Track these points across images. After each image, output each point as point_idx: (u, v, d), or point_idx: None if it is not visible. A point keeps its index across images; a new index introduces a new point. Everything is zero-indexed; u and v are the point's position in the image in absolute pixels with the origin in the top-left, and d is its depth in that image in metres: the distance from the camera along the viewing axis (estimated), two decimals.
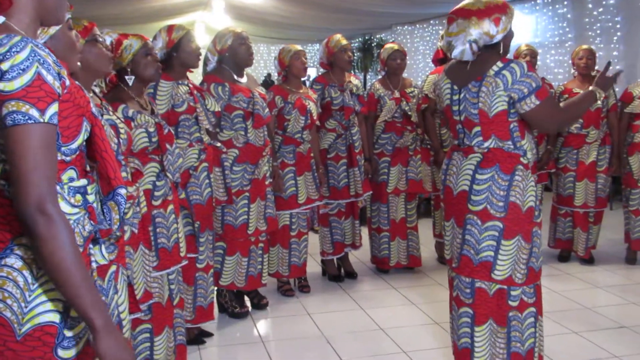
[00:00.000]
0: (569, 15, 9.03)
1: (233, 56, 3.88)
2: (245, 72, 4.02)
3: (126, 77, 2.97)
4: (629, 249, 5.25)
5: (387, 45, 4.92)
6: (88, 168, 1.59)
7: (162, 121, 3.03)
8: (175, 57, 3.48)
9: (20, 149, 1.33)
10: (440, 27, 11.77)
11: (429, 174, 4.97)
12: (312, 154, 4.47)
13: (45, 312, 1.43)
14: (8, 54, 1.33)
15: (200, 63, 3.70)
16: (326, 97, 4.57)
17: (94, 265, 1.57)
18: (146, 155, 2.95)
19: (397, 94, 4.77)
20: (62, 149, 1.46)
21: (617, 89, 5.30)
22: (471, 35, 2.61)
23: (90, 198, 1.56)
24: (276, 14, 11.71)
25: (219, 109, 3.73)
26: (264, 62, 18.69)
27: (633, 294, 4.46)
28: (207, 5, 11.77)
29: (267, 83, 14.60)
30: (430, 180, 4.98)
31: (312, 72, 14.16)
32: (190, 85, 3.54)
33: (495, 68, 2.61)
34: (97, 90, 2.74)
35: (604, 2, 8.31)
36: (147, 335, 2.97)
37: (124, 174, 2.18)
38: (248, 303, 4.26)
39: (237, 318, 4.08)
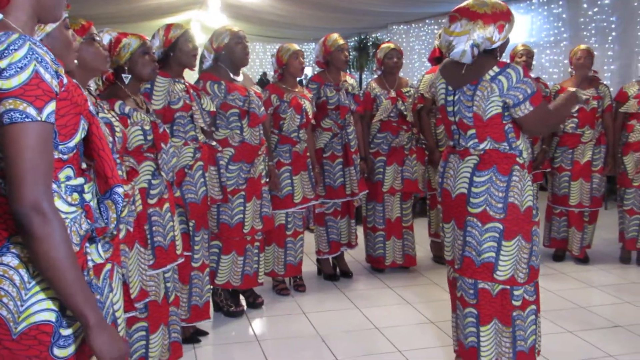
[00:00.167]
0: (564, 15, 9.05)
1: (229, 55, 3.88)
2: (241, 71, 4.02)
3: (123, 76, 2.97)
4: (623, 249, 5.27)
5: (384, 45, 4.92)
6: (84, 166, 1.58)
7: (157, 120, 3.03)
8: (173, 56, 3.48)
9: (16, 147, 1.32)
10: (436, 27, 11.78)
11: (423, 174, 4.97)
12: (308, 153, 4.46)
13: (41, 311, 1.43)
14: (6, 51, 1.32)
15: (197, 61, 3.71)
16: (322, 97, 4.57)
17: (90, 264, 1.56)
18: (141, 154, 2.95)
19: (393, 94, 4.77)
20: (59, 147, 1.46)
21: (612, 89, 5.31)
22: (474, 39, 2.59)
23: (87, 197, 1.56)
24: (272, 13, 11.70)
25: (215, 109, 3.73)
26: (259, 61, 18.68)
27: (627, 293, 4.48)
28: (202, 4, 11.75)
29: (263, 82, 14.59)
30: (423, 180, 4.98)
31: (308, 71, 14.17)
32: (187, 84, 3.54)
33: (491, 73, 2.60)
34: (92, 88, 2.73)
35: (599, 2, 8.33)
36: (143, 333, 2.97)
37: (119, 173, 2.18)
38: (243, 302, 4.26)
39: (232, 317, 4.07)
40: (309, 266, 5.04)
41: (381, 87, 4.83)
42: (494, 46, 2.63)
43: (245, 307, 4.21)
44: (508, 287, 2.73)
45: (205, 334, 3.77)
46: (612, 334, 3.75)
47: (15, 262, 1.42)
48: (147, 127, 2.94)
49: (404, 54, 4.97)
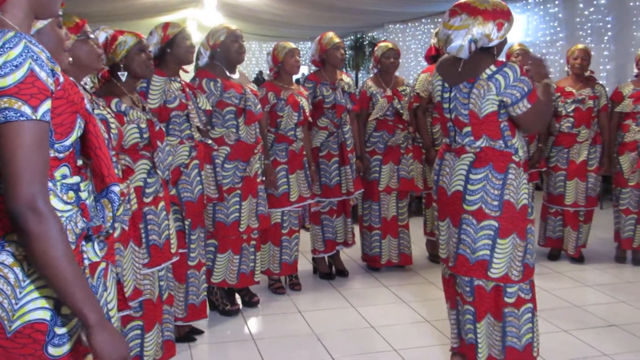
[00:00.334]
0: (560, 15, 9.06)
1: (225, 52, 3.88)
2: (237, 69, 4.02)
3: (119, 73, 2.97)
4: (618, 248, 5.28)
5: (382, 44, 4.92)
6: (79, 163, 1.58)
7: (153, 118, 3.03)
8: (169, 53, 3.48)
9: (11, 146, 1.32)
10: (432, 26, 11.79)
11: (421, 172, 4.97)
12: (304, 152, 4.46)
13: (36, 310, 1.43)
14: (1, 50, 1.32)
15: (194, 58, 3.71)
16: (318, 95, 4.57)
17: (86, 262, 1.56)
18: (137, 152, 2.95)
19: (389, 92, 4.77)
20: (55, 145, 1.45)
21: (607, 89, 5.32)
22: (473, 34, 2.60)
23: (83, 195, 1.55)
24: (268, 12, 11.69)
25: (210, 107, 3.72)
26: (255, 60, 18.66)
27: (622, 292, 4.49)
28: (199, 3, 11.74)
29: (259, 81, 14.58)
30: (422, 178, 4.98)
31: (304, 70, 14.15)
32: (183, 83, 3.54)
33: (488, 71, 2.61)
34: (88, 85, 2.73)
35: (595, 2, 8.35)
36: (139, 332, 2.97)
37: (115, 171, 2.17)
38: (239, 301, 4.26)
39: (228, 316, 4.07)
40: (304, 265, 5.04)
41: (377, 85, 4.83)
42: (491, 44, 2.64)
43: (240, 306, 4.21)
44: (501, 284, 2.74)
45: (200, 332, 3.77)
46: (606, 333, 3.76)
47: (9, 260, 1.42)
48: (143, 125, 2.93)
49: (400, 54, 4.97)
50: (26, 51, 1.33)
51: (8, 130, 1.31)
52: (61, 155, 1.48)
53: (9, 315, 1.41)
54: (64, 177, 1.50)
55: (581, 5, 8.57)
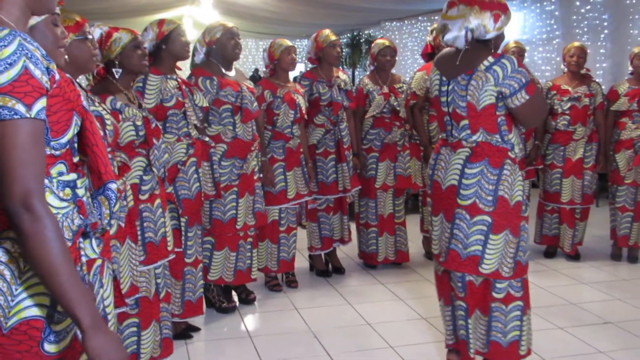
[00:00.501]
0: (556, 13, 9.07)
1: (221, 50, 3.87)
2: (233, 66, 4.01)
3: (114, 70, 2.96)
4: (614, 246, 5.29)
5: (378, 41, 4.91)
6: (76, 160, 1.57)
7: (149, 115, 3.02)
8: (165, 49, 3.47)
9: (6, 144, 1.31)
10: (429, 24, 11.79)
11: (419, 169, 4.97)
12: (301, 150, 4.46)
13: (32, 306, 1.42)
14: None
15: (190, 54, 3.70)
16: (314, 93, 4.57)
17: (84, 259, 1.56)
18: (133, 149, 2.94)
19: (385, 89, 4.77)
20: (52, 143, 1.45)
21: (604, 87, 5.33)
22: (470, 23, 2.62)
23: (80, 192, 1.55)
24: (264, 9, 11.68)
25: (207, 105, 3.72)
26: (252, 57, 18.64)
27: (618, 290, 4.50)
28: (195, 0, 11.72)
29: (255, 78, 14.56)
30: (420, 176, 4.98)
31: (301, 68, 14.15)
32: (179, 80, 3.53)
33: (486, 63, 2.62)
34: (84, 83, 2.72)
35: (591, 0, 8.36)
36: (135, 329, 2.97)
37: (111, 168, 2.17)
38: (235, 298, 4.26)
39: (224, 313, 4.07)
40: (301, 262, 5.04)
41: (374, 83, 4.83)
42: (488, 36, 2.65)
43: (237, 303, 4.21)
44: (491, 279, 2.75)
45: (197, 329, 3.77)
46: (602, 330, 3.77)
47: (5, 257, 1.41)
48: (139, 123, 2.93)
49: (397, 51, 4.97)
50: (20, 49, 1.33)
51: (2, 128, 1.31)
52: (57, 152, 1.48)
53: (5, 312, 1.41)
54: (61, 174, 1.50)
55: (577, 3, 8.58)
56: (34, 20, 1.64)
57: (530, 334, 2.91)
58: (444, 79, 2.78)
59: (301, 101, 4.36)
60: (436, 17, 11.39)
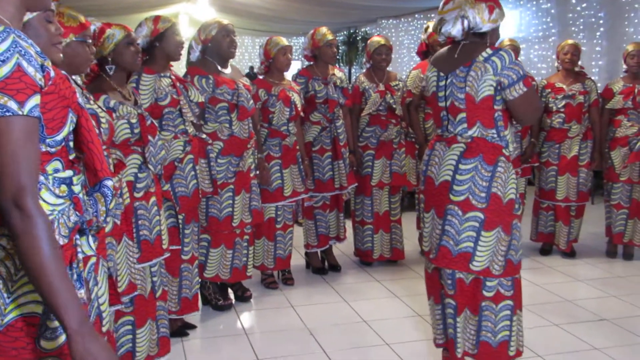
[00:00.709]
0: (552, 11, 9.09)
1: (216, 47, 3.86)
2: (229, 63, 4.00)
3: (107, 67, 2.95)
4: (609, 243, 5.31)
5: (374, 39, 4.90)
6: (72, 157, 1.57)
7: (144, 112, 3.01)
8: (158, 47, 3.44)
9: None
10: (425, 21, 11.77)
11: (414, 167, 4.98)
12: (297, 147, 4.46)
13: (28, 303, 1.42)
14: None
15: (184, 52, 3.68)
16: (310, 91, 4.57)
17: (80, 256, 1.55)
18: (128, 147, 2.93)
19: (381, 87, 4.78)
20: (47, 140, 1.45)
21: (599, 85, 5.34)
22: (465, 12, 2.65)
23: (76, 189, 1.55)
24: (261, 7, 11.67)
25: (203, 100, 3.71)
26: (248, 55, 18.62)
27: (613, 287, 4.52)
28: None
29: (250, 76, 14.54)
30: (415, 173, 4.99)
31: (297, 65, 14.13)
32: (173, 77, 3.51)
33: (484, 54, 2.65)
34: (78, 80, 2.71)
35: None
36: (130, 327, 2.96)
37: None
38: (232, 295, 4.26)
39: (220, 310, 4.07)
40: (297, 260, 5.04)
41: (370, 80, 4.83)
42: (484, 28, 2.67)
43: (233, 301, 4.21)
44: (481, 277, 2.74)
45: (193, 327, 3.77)
46: (597, 327, 3.78)
47: (1, 254, 1.41)
48: (133, 120, 2.91)
49: (393, 49, 4.97)
50: (14, 46, 1.32)
51: None
52: (53, 149, 1.47)
53: (1, 309, 1.41)
54: (56, 171, 1.49)
55: (573, 1, 8.60)
56: (27, 17, 1.63)
57: (521, 335, 2.88)
58: (442, 74, 2.79)
59: (296, 98, 4.36)
60: (432, 15, 11.39)
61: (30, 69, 1.34)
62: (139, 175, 2.97)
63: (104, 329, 1.75)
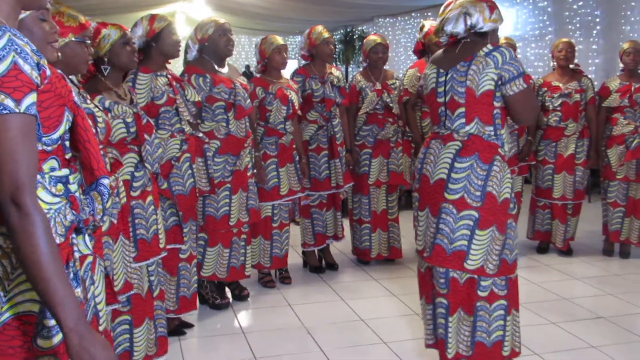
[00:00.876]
0: (549, 9, 9.09)
1: (213, 46, 3.86)
2: (226, 62, 4.00)
3: (102, 67, 2.94)
4: (606, 241, 5.32)
5: (370, 37, 4.90)
6: (68, 156, 1.57)
7: (140, 111, 3.00)
8: (155, 47, 3.44)
9: None
10: (422, 20, 11.78)
11: (410, 166, 4.98)
12: (294, 146, 4.46)
13: (25, 302, 1.42)
14: None
15: (181, 52, 3.68)
16: (307, 89, 4.57)
17: (76, 255, 1.55)
18: (125, 146, 2.93)
19: (378, 86, 4.78)
20: (43, 139, 1.45)
21: (596, 83, 5.35)
22: (468, 9, 2.68)
23: (72, 188, 1.55)
24: (257, 5, 11.66)
25: (199, 99, 3.70)
26: (245, 54, 18.59)
27: (610, 285, 4.53)
28: None
29: (247, 75, 14.53)
30: (410, 172, 4.99)
31: (294, 64, 14.12)
32: (169, 76, 3.50)
33: (485, 50, 2.67)
34: (74, 79, 2.71)
35: None
36: (127, 326, 2.96)
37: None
38: (229, 294, 4.26)
39: (217, 309, 4.07)
40: (294, 258, 5.04)
41: (366, 79, 4.83)
42: (485, 27, 2.68)
43: (230, 300, 4.21)
44: (475, 276, 2.74)
45: (190, 326, 3.77)
46: (594, 325, 3.79)
47: None
48: (129, 120, 2.91)
49: (389, 47, 4.97)
50: (10, 44, 1.32)
51: None
52: (49, 148, 1.47)
53: None
54: (53, 169, 1.49)
55: (570, 0, 8.61)
56: (21, 15, 1.63)
57: (517, 335, 2.88)
58: (441, 70, 2.79)
59: (294, 97, 4.36)
60: (429, 14, 11.40)
61: (26, 67, 1.34)
62: (136, 174, 2.97)
63: (101, 328, 1.75)
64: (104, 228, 2.54)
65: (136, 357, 3.00)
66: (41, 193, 1.43)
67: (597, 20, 8.26)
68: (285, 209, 4.51)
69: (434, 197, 2.78)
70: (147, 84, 3.37)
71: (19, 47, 1.33)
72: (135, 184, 2.97)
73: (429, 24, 4.83)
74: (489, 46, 2.67)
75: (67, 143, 1.57)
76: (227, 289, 4.27)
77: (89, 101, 2.58)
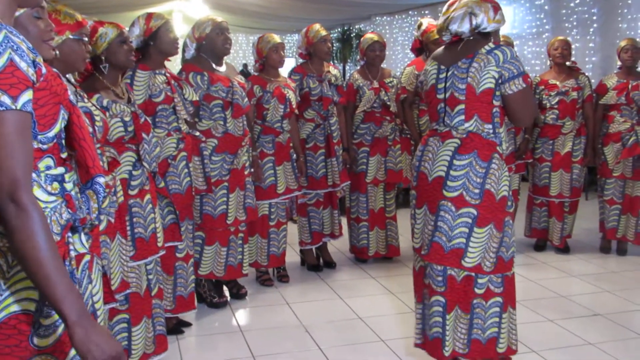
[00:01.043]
0: (546, 7, 9.10)
1: (210, 45, 3.86)
2: (224, 61, 4.00)
3: (100, 66, 2.94)
4: (603, 238, 5.33)
5: (367, 35, 4.91)
6: (64, 155, 1.57)
7: (138, 110, 3.00)
8: (153, 46, 3.44)
9: None
10: (419, 18, 11.78)
11: (410, 164, 4.97)
12: (291, 144, 4.46)
13: (21, 300, 1.42)
14: None
15: (179, 50, 3.68)
16: (304, 88, 4.57)
17: (72, 254, 1.55)
18: (122, 145, 2.93)
19: (376, 84, 4.78)
20: (39, 137, 1.45)
21: (592, 80, 5.36)
22: (473, 9, 2.68)
23: (68, 186, 1.55)
24: (255, 4, 11.65)
25: (197, 99, 3.70)
26: (242, 52, 18.58)
27: (607, 282, 4.54)
28: None
29: (244, 73, 14.52)
30: (410, 170, 4.99)
31: (291, 63, 14.12)
32: (168, 75, 3.50)
33: (487, 47, 2.68)
34: (71, 78, 2.70)
35: None
36: (125, 325, 2.96)
37: (100, 162, 2.16)
38: (227, 293, 4.26)
39: (215, 308, 4.07)
40: (292, 257, 5.05)
41: (364, 77, 4.83)
42: (489, 27, 2.69)
43: (228, 298, 4.21)
44: (473, 274, 2.74)
45: (188, 325, 3.77)
46: (591, 322, 3.80)
47: None
48: (127, 119, 2.91)
49: (387, 46, 4.97)
50: (6, 41, 1.32)
51: None
52: (45, 146, 1.47)
53: None
54: (48, 168, 1.49)
55: None
56: (16, 13, 1.63)
57: (513, 332, 2.88)
58: (442, 67, 2.79)
59: (291, 96, 4.36)
60: (426, 12, 11.40)
61: (22, 64, 1.34)
62: (134, 172, 2.97)
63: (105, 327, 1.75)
64: (101, 227, 2.54)
65: (134, 356, 3.00)
66: (37, 191, 1.43)
67: (594, 18, 8.27)
68: (282, 208, 4.51)
69: (432, 195, 2.78)
70: (145, 81, 3.37)
71: (15, 44, 1.34)
72: (133, 183, 2.97)
73: (427, 22, 4.83)
74: (491, 44, 2.68)
75: (63, 142, 1.57)
76: (225, 288, 4.27)
77: (86, 100, 2.58)
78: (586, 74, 5.29)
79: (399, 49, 13.10)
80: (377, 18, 13.73)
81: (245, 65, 16.51)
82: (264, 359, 3.37)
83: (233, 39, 4.06)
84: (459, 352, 2.82)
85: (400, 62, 12.71)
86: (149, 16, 3.47)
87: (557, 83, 5.04)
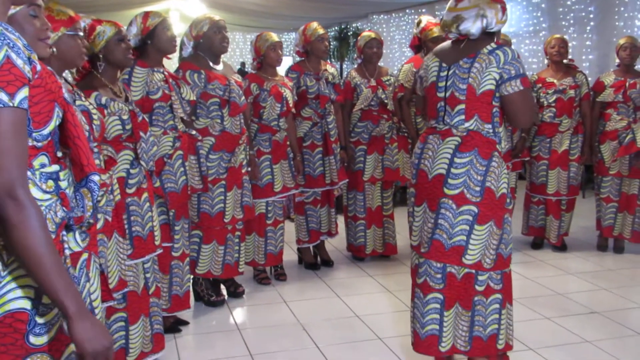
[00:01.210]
0: (543, 5, 9.11)
1: (208, 43, 3.86)
2: (221, 59, 4.00)
3: (98, 64, 2.94)
4: (600, 236, 5.34)
5: (365, 33, 4.91)
6: (59, 154, 1.57)
7: (136, 109, 3.00)
8: (150, 44, 3.44)
9: None
10: (416, 17, 11.78)
11: (407, 162, 4.98)
12: (288, 142, 4.46)
13: (16, 299, 1.42)
14: None
15: (177, 48, 3.68)
16: (302, 86, 4.56)
17: (67, 252, 1.55)
18: (120, 143, 2.93)
19: (373, 82, 4.78)
20: (33, 134, 1.44)
21: (590, 79, 5.37)
22: (485, 11, 2.67)
23: (63, 184, 1.54)
24: (252, 2, 11.64)
25: (194, 98, 3.70)
26: (239, 51, 18.56)
27: (604, 280, 4.54)
28: None
29: (242, 72, 14.51)
30: (408, 168, 4.99)
31: (289, 61, 14.09)
32: (166, 73, 3.50)
33: (489, 47, 2.67)
34: (69, 77, 2.70)
35: None
36: (122, 323, 2.96)
37: (96, 162, 2.16)
38: (224, 291, 4.26)
39: (213, 306, 4.07)
40: (289, 255, 5.05)
41: (361, 76, 4.83)
42: (496, 27, 2.70)
43: (226, 297, 4.21)
44: (473, 271, 2.75)
45: (186, 323, 3.77)
46: (588, 320, 3.80)
47: None
48: (125, 117, 2.91)
49: (384, 44, 4.97)
50: (2, 38, 1.32)
51: None
52: (39, 144, 1.47)
53: None
54: (43, 166, 1.49)
55: None
56: (10, 11, 1.62)
57: (511, 329, 2.89)
58: (444, 64, 2.79)
59: (288, 94, 4.36)
60: (423, 10, 11.41)
61: (19, 61, 1.34)
62: (131, 171, 2.97)
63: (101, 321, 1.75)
64: (98, 225, 2.54)
65: (131, 354, 3.00)
66: (32, 189, 1.42)
67: (591, 16, 8.28)
68: (279, 206, 4.51)
69: (432, 193, 2.78)
70: (143, 78, 3.37)
71: (11, 41, 1.33)
72: (130, 181, 2.97)
73: (426, 19, 4.83)
74: (493, 44, 2.68)
75: (57, 140, 1.57)
76: (222, 286, 4.27)
77: (83, 98, 2.57)
78: (583, 71, 5.29)
79: (396, 48, 13.10)
80: (374, 16, 13.73)
81: (243, 64, 16.50)
82: (261, 357, 3.37)
83: (230, 38, 4.06)
84: (461, 349, 2.82)
85: (397, 61, 12.71)
86: (146, 14, 3.47)
87: (555, 81, 5.04)
